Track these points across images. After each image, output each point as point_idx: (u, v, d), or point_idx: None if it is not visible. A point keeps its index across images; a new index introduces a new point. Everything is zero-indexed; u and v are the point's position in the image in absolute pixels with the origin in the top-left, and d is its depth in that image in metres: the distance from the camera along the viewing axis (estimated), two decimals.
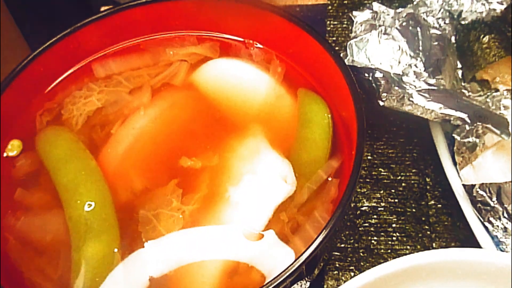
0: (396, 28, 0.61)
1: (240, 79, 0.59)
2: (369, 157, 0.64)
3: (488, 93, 0.61)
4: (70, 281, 0.48)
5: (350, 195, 0.43)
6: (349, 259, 0.57)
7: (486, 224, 0.52)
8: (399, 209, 0.60)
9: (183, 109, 0.58)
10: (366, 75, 0.57)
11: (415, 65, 0.59)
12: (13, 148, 0.55)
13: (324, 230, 0.42)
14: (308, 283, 0.46)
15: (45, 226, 0.51)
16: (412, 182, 0.61)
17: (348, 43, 0.61)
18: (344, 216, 0.44)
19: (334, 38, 0.73)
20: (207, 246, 0.49)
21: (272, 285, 0.39)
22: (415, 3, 0.65)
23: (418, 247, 0.57)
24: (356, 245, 0.58)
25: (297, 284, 0.44)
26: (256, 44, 0.60)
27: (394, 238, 0.58)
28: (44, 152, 0.54)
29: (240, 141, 0.54)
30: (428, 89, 0.55)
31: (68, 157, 0.53)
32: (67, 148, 0.54)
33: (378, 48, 0.60)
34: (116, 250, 0.49)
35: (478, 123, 0.53)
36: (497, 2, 0.63)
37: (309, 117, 0.54)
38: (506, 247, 0.51)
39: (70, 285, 0.47)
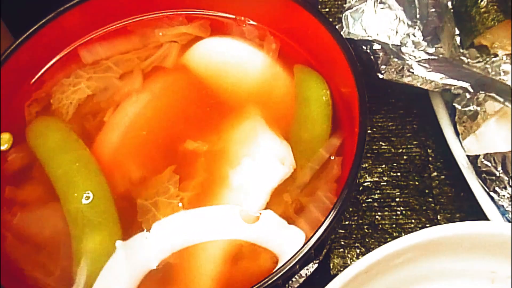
0: None
1: (234, 58, 0.57)
2: (368, 131, 0.63)
3: (487, 59, 0.60)
4: (72, 275, 0.47)
5: (355, 174, 0.43)
6: (354, 236, 0.57)
7: (492, 194, 0.51)
8: (401, 183, 0.59)
9: (176, 92, 0.56)
10: (364, 47, 0.55)
11: (413, 34, 0.57)
12: (4, 141, 0.53)
13: (332, 212, 0.41)
14: (316, 265, 0.46)
15: (42, 221, 0.50)
16: (414, 154, 0.61)
17: (343, 15, 0.59)
18: (351, 196, 0.43)
19: (327, 10, 0.71)
20: (206, 232, 0.48)
21: (281, 272, 0.39)
22: None
23: (423, 220, 0.57)
24: (360, 221, 0.57)
25: (306, 267, 0.43)
26: (248, 21, 0.58)
27: (398, 213, 0.57)
28: (36, 144, 0.52)
29: (237, 123, 0.53)
30: (428, 59, 0.54)
31: (61, 148, 0.52)
32: (59, 139, 0.53)
33: (375, 18, 0.58)
34: (118, 241, 0.48)
35: (480, 92, 0.52)
36: None
37: (307, 95, 0.53)
38: None
39: (72, 279, 0.47)
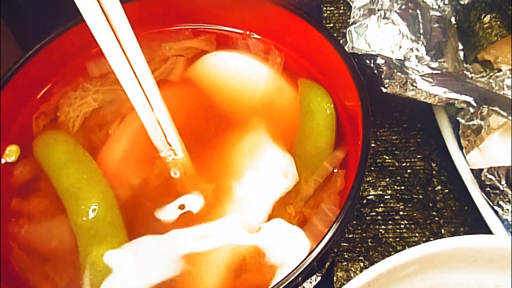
0: (396, 12, 0.60)
1: (239, 72, 0.58)
2: (372, 145, 0.63)
3: (491, 74, 0.60)
4: (79, 287, 0.47)
5: (358, 186, 0.43)
6: (358, 249, 0.56)
7: (496, 208, 0.51)
8: (405, 196, 0.59)
9: (182, 105, 0.56)
10: (367, 61, 0.56)
11: (417, 49, 0.58)
12: (11, 153, 0.54)
13: (335, 224, 0.41)
14: (319, 278, 0.46)
15: (49, 233, 0.50)
16: (418, 168, 0.61)
17: (347, 29, 0.59)
18: (354, 208, 0.43)
19: (332, 25, 0.72)
20: (209, 243, 0.48)
21: (283, 284, 0.39)
22: None
23: (427, 233, 0.57)
24: (364, 234, 0.57)
25: (309, 280, 0.43)
26: (253, 35, 0.59)
27: (402, 226, 0.57)
28: (43, 157, 0.53)
29: (241, 135, 0.54)
30: (432, 73, 0.54)
31: (67, 161, 0.52)
32: (65, 152, 0.53)
33: (378, 33, 0.59)
34: None
35: (484, 106, 0.52)
36: None
37: (311, 108, 0.53)
38: None
39: None
